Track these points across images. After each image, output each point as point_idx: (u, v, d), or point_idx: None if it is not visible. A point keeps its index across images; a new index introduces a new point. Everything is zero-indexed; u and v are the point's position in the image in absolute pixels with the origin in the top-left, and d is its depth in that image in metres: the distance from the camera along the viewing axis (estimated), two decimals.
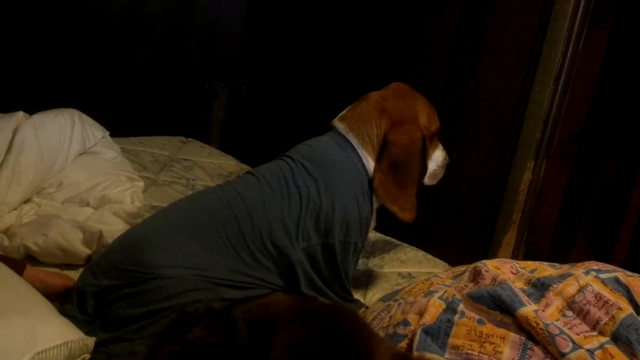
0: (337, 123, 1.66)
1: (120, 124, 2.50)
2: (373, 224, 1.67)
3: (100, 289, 1.37)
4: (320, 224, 1.52)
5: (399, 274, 1.88)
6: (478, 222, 2.44)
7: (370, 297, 1.71)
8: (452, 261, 2.04)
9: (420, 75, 2.60)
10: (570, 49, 2.24)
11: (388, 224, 1.80)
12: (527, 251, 2.45)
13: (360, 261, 1.81)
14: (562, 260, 2.41)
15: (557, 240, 2.47)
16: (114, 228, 1.71)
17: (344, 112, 1.68)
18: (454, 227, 2.48)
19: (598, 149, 2.37)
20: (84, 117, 2.16)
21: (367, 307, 1.59)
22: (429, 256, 2.02)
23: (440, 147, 1.75)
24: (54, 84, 2.69)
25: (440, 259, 2.05)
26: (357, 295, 1.68)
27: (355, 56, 2.88)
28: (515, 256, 2.40)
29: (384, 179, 1.59)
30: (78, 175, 1.96)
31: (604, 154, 2.35)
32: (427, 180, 1.73)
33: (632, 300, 1.07)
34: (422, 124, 1.64)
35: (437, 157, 1.74)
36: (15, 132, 1.86)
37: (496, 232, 2.38)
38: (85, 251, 1.62)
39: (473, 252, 2.43)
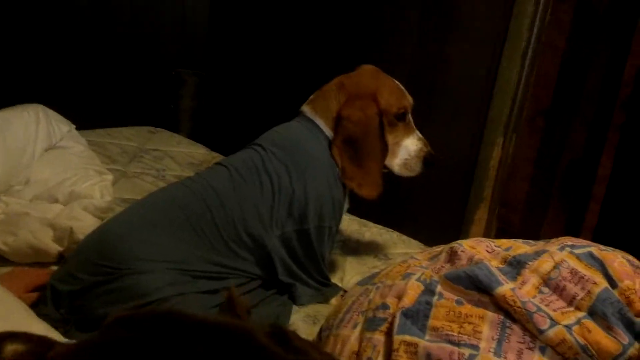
0: (304, 107, 1.67)
1: (86, 116, 2.45)
2: (346, 205, 1.67)
3: (75, 287, 1.35)
4: (294, 210, 1.53)
5: (375, 256, 1.89)
6: (450, 199, 2.46)
7: (347, 281, 1.71)
8: (427, 240, 2.05)
9: (389, 53, 2.59)
10: (537, 23, 2.24)
11: (362, 206, 1.80)
12: (500, 226, 2.47)
13: (335, 245, 1.82)
14: (535, 233, 2.46)
15: (528, 213, 2.50)
16: (84, 224, 1.68)
17: (311, 96, 1.68)
18: (426, 206, 2.50)
19: (566, 123, 2.39)
20: (49, 111, 2.12)
21: (345, 291, 1.60)
22: (404, 237, 2.03)
23: (416, 136, 1.69)
24: (15, 79, 2.63)
25: (414, 238, 2.06)
26: (334, 280, 1.69)
27: (323, 38, 2.86)
28: (488, 231, 2.43)
29: (339, 154, 1.59)
30: (45, 171, 1.93)
31: (571, 127, 2.38)
32: (398, 170, 1.68)
33: (606, 275, 1.08)
34: (381, 101, 1.61)
35: (408, 145, 1.67)
36: None
37: (468, 209, 2.40)
38: (56, 248, 1.61)
39: (446, 229, 2.45)
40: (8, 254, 1.58)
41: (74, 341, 0.60)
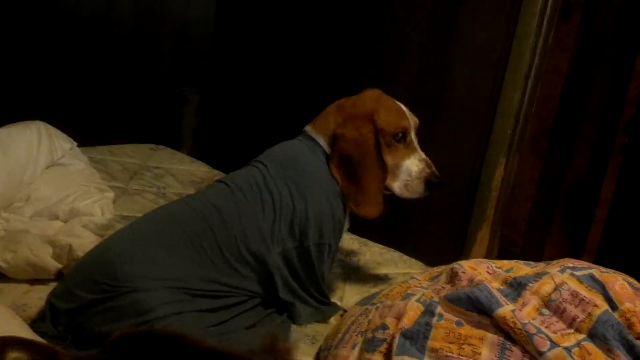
0: (307, 127, 1.67)
1: (88, 133, 2.46)
2: (347, 225, 1.67)
3: (73, 305, 1.34)
4: (295, 228, 1.53)
5: (376, 275, 1.88)
6: (452, 219, 2.45)
7: (347, 300, 1.70)
8: (428, 259, 2.04)
9: (392, 72, 2.60)
10: (540, 44, 2.25)
11: (363, 225, 1.79)
12: (502, 246, 2.46)
13: (336, 264, 1.81)
14: (537, 253, 2.45)
15: (531, 233, 2.49)
16: (84, 241, 1.67)
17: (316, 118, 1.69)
18: (428, 226, 2.49)
19: (569, 143, 2.39)
20: (51, 128, 2.11)
21: (344, 311, 1.59)
22: (405, 257, 2.02)
23: (418, 157, 1.65)
24: (18, 95, 2.64)
25: (415, 257, 2.05)
26: (333, 299, 1.68)
27: (326, 56, 2.87)
28: (490, 251, 2.41)
29: (338, 173, 1.60)
30: (46, 188, 1.92)
31: (574, 148, 2.38)
32: (399, 191, 1.65)
33: (607, 297, 1.07)
34: (378, 121, 1.60)
35: (409, 166, 1.64)
36: None
37: (470, 228, 2.39)
38: (55, 265, 1.59)
39: (448, 249, 2.44)
40: (7, 271, 1.57)
41: (77, 353, 0.59)
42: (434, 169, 1.65)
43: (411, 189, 1.64)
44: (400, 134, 1.63)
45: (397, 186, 1.65)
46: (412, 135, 1.66)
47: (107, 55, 2.96)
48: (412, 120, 1.67)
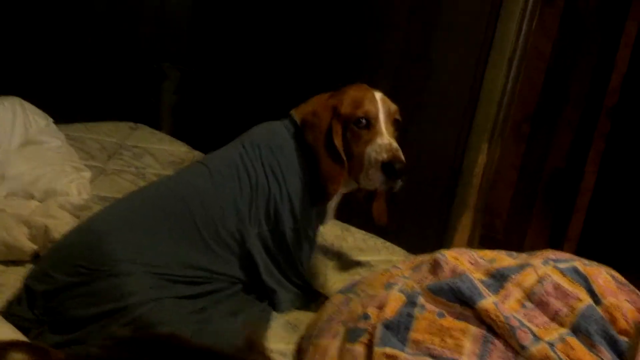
0: (292, 111, 1.65)
1: (65, 109, 2.40)
2: (331, 214, 1.65)
3: (50, 287, 1.32)
4: (270, 211, 1.52)
5: (358, 262, 1.87)
6: (434, 206, 2.45)
7: (329, 287, 1.69)
8: (410, 246, 2.03)
9: (375, 56, 2.58)
10: (524, 28, 2.23)
11: (345, 210, 1.78)
12: (483, 233, 2.47)
13: (317, 250, 1.80)
14: (518, 240, 2.46)
15: (512, 220, 2.50)
16: (60, 222, 1.64)
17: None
18: (410, 212, 2.48)
19: (551, 129, 2.39)
20: (26, 104, 2.07)
21: (326, 298, 1.58)
22: (388, 244, 2.01)
23: (379, 141, 1.53)
24: None
25: (397, 244, 2.04)
26: (315, 286, 1.66)
27: (307, 37, 2.83)
28: (471, 238, 2.42)
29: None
30: (21, 166, 1.88)
31: (556, 135, 2.38)
32: (362, 182, 1.57)
33: (590, 291, 1.07)
34: (340, 108, 1.55)
35: (369, 152, 1.52)
36: None
37: (452, 215, 2.39)
38: (31, 247, 1.57)
39: (430, 236, 2.44)
40: None
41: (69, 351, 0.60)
42: (397, 153, 1.51)
43: (369, 177, 1.53)
44: (364, 121, 1.54)
45: (361, 177, 1.56)
46: (381, 122, 1.55)
47: (85, 30, 2.91)
48: (385, 107, 1.57)
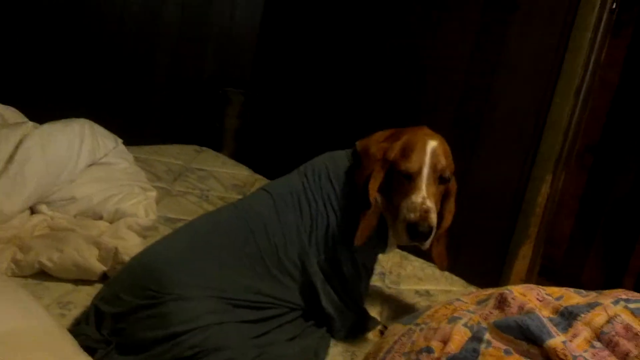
0: (358, 142, 1.63)
1: (133, 132, 2.49)
2: (394, 243, 1.62)
3: (119, 310, 1.36)
4: (329, 239, 1.53)
5: (417, 291, 1.86)
6: (494, 235, 2.41)
7: (386, 315, 1.69)
8: (468, 275, 2.01)
9: (438, 85, 2.57)
10: (592, 59, 2.20)
11: None
12: (542, 262, 2.42)
13: (376, 277, 1.80)
14: (576, 271, 2.40)
15: (571, 251, 2.44)
16: (129, 243, 1.69)
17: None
18: (470, 241, 2.45)
19: (614, 160, 2.34)
20: (96, 126, 2.10)
21: (384, 326, 1.58)
22: (446, 273, 1.99)
23: (411, 201, 1.45)
24: (66, 93, 2.68)
25: (456, 274, 2.02)
26: (373, 313, 1.67)
27: (371, 63, 2.85)
28: (531, 268, 2.37)
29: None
30: (90, 187, 1.93)
31: (620, 165, 2.32)
32: (391, 233, 1.55)
33: None
34: (390, 154, 1.51)
35: (402, 207, 1.46)
36: (21, 141, 1.82)
37: (513, 245, 2.35)
38: (100, 268, 1.61)
39: (489, 265, 2.40)
40: (52, 270, 1.60)
41: None
42: (426, 215, 1.43)
43: (397, 231, 1.49)
44: (407, 174, 1.48)
45: (391, 229, 1.54)
46: (423, 178, 1.47)
47: (154, 56, 2.99)
48: (433, 161, 1.48)
